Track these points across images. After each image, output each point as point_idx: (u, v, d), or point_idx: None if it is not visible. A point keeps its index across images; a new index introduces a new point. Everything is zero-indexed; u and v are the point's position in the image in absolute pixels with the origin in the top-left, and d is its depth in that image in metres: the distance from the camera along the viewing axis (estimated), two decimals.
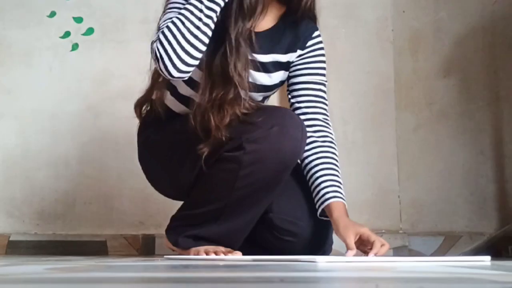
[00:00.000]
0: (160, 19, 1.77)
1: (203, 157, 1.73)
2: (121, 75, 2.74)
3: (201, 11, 1.68)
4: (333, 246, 1.91)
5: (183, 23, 1.67)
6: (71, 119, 2.74)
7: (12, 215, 2.70)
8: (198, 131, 1.73)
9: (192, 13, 1.68)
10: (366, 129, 2.73)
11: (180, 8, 1.73)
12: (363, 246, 1.75)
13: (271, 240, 1.87)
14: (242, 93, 1.76)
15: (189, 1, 1.71)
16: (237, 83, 1.74)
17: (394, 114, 2.73)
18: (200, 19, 1.68)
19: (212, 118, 1.72)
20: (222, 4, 1.70)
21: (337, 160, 1.88)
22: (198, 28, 1.68)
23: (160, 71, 1.68)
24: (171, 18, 1.70)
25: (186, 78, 1.73)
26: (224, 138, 1.71)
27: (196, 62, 1.69)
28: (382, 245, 1.71)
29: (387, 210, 2.68)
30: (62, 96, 2.76)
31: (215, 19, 1.70)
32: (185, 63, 1.67)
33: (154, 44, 1.68)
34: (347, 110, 2.73)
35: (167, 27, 1.67)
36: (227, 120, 1.72)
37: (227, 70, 1.75)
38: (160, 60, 1.66)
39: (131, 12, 2.79)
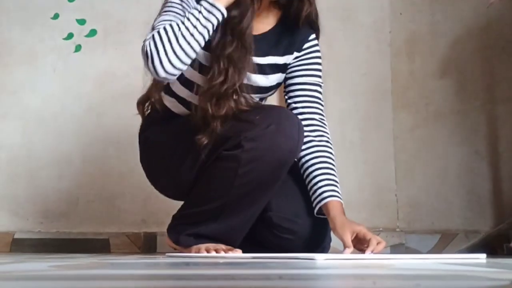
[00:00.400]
0: (155, 20, 1.78)
1: (206, 150, 1.75)
2: (123, 76, 2.74)
3: (198, 20, 1.69)
4: (331, 244, 1.91)
5: (179, 27, 1.68)
6: (74, 119, 2.74)
7: (16, 213, 2.70)
8: (201, 122, 1.74)
9: (188, 19, 1.69)
10: (363, 129, 2.73)
11: (176, 12, 1.74)
12: (360, 244, 1.75)
13: (271, 238, 1.87)
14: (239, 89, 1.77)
15: (189, 10, 1.72)
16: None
17: (391, 115, 2.73)
18: (195, 27, 1.69)
19: (209, 107, 1.73)
20: (220, 18, 1.72)
21: (333, 160, 1.88)
22: (192, 35, 1.69)
23: (148, 69, 1.69)
24: (166, 20, 1.71)
25: (172, 81, 1.74)
26: (218, 129, 1.71)
27: (184, 67, 1.70)
28: (378, 242, 1.71)
29: (385, 209, 2.68)
30: (65, 96, 2.76)
31: (211, 31, 1.71)
32: (173, 66, 1.68)
33: (146, 42, 1.69)
34: (345, 110, 2.73)
35: (164, 28, 1.68)
36: (223, 110, 1.73)
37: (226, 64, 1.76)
38: (149, 58, 1.67)
39: (133, 14, 2.78)
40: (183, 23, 1.69)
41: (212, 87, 1.74)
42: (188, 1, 1.78)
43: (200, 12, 1.70)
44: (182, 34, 1.68)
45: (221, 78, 1.74)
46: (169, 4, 1.79)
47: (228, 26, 1.76)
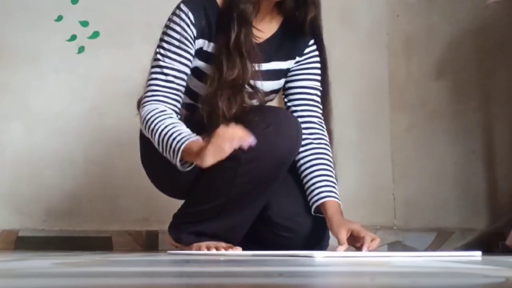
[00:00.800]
0: (157, 50, 1.83)
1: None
2: (126, 77, 2.73)
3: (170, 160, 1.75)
4: (330, 242, 1.91)
5: (162, 144, 1.75)
6: (77, 120, 2.74)
7: (20, 212, 2.70)
8: (205, 121, 1.75)
9: (163, 150, 1.75)
10: (361, 129, 2.73)
11: (173, 59, 1.79)
12: (356, 242, 1.76)
13: (270, 237, 1.88)
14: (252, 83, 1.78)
15: (169, 143, 1.74)
16: (243, 76, 1.76)
17: (388, 115, 2.73)
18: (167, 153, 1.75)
19: (220, 106, 1.73)
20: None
21: (331, 162, 1.89)
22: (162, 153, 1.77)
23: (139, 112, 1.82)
24: (160, 118, 1.77)
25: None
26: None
27: None
28: (373, 240, 1.72)
29: (382, 207, 2.69)
30: (68, 97, 2.76)
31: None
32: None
33: (145, 109, 1.78)
34: (343, 111, 2.72)
35: (152, 129, 1.76)
36: (234, 109, 1.74)
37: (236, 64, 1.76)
38: (141, 120, 1.80)
39: (135, 16, 2.78)
40: (161, 145, 1.75)
41: (226, 81, 1.75)
42: (187, 37, 1.79)
43: (175, 160, 1.74)
44: (159, 145, 1.76)
45: (236, 72, 1.75)
46: (168, 39, 1.81)
47: (239, 23, 1.76)
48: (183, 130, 1.73)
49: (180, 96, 1.81)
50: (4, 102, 2.77)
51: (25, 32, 2.79)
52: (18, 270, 1.10)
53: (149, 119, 1.77)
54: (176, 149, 1.71)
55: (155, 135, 1.75)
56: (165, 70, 1.79)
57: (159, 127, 1.75)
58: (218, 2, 1.83)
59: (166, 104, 1.79)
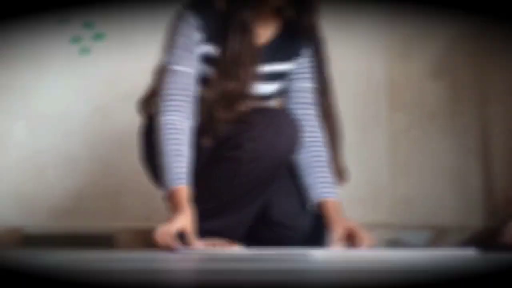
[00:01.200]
0: (165, 58, 1.81)
1: (207, 151, 1.76)
2: (129, 78, 2.73)
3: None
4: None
5: (159, 162, 1.74)
6: (80, 121, 2.74)
7: (25, 210, 2.70)
8: (204, 124, 1.76)
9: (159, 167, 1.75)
10: (360, 129, 2.73)
11: (185, 43, 1.78)
12: (352, 240, 1.77)
13: (271, 236, 1.88)
14: (248, 89, 1.79)
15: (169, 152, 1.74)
16: (244, 80, 1.76)
17: (386, 115, 2.74)
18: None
19: (218, 111, 1.74)
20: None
21: (328, 161, 1.90)
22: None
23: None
24: (176, 91, 1.77)
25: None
26: (223, 131, 1.73)
27: None
28: (367, 238, 1.74)
29: (380, 205, 2.69)
30: (72, 98, 2.76)
31: None
32: None
33: (161, 120, 1.75)
34: (342, 111, 2.72)
35: (161, 145, 1.75)
36: (231, 115, 1.74)
37: (236, 68, 1.77)
38: (157, 118, 1.78)
39: (139, 18, 2.78)
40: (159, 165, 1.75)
41: (225, 92, 1.75)
42: (194, 41, 1.79)
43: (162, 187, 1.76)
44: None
45: (233, 84, 1.75)
46: (176, 44, 1.80)
47: (239, 34, 1.77)
48: (179, 164, 1.73)
49: (193, 100, 1.80)
50: (9, 103, 2.77)
51: (29, 33, 2.79)
52: (22, 268, 1.11)
53: (160, 134, 1.76)
54: (165, 185, 1.73)
55: (159, 153, 1.75)
56: (178, 76, 1.78)
57: (163, 147, 1.75)
58: (219, 6, 1.83)
59: (181, 113, 1.77)
